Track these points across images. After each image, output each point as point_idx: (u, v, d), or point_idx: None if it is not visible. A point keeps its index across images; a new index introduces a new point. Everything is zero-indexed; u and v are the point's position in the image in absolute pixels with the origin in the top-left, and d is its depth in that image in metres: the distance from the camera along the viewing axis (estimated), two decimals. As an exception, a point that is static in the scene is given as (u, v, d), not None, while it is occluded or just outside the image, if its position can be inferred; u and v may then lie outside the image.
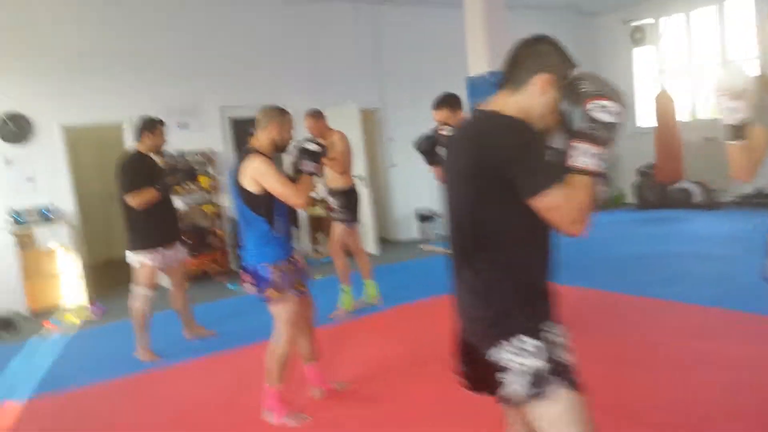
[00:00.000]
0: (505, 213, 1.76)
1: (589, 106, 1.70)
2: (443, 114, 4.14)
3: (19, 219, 7.12)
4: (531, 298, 1.80)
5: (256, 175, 3.18)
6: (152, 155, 4.98)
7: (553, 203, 1.69)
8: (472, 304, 1.85)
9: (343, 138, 5.54)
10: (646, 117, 10.90)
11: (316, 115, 5.52)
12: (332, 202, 5.68)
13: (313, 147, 3.32)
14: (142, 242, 4.81)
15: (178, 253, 5.08)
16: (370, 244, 8.76)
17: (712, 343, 4.02)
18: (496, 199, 1.75)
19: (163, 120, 5.05)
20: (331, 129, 5.59)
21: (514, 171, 1.69)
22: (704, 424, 3.04)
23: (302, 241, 8.87)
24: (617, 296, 5.40)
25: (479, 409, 3.42)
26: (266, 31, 8.84)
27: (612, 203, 11.11)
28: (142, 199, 4.73)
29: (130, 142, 7.88)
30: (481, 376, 1.86)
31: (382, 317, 5.56)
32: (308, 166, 3.29)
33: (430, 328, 5.02)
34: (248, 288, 3.35)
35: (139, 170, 4.82)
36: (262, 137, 3.35)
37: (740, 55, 9.63)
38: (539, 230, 1.80)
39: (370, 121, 9.54)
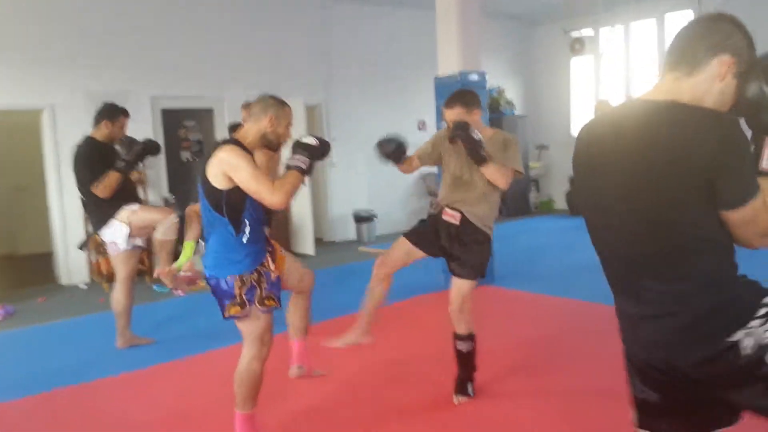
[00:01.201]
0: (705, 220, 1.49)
1: None
2: (456, 113, 3.43)
3: None
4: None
5: (225, 167, 2.66)
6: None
7: (752, 215, 1.44)
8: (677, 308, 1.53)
9: None
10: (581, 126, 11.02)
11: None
12: None
13: (311, 141, 2.83)
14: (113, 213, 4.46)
15: (137, 240, 4.66)
16: (307, 244, 8.33)
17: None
18: (701, 204, 1.47)
19: (128, 111, 4.69)
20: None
21: (719, 176, 1.42)
22: None
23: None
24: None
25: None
26: (207, 18, 8.23)
27: (541, 208, 11.20)
28: (107, 185, 4.36)
29: (47, 131, 7.17)
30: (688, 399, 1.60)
31: (337, 326, 5.12)
32: (299, 161, 2.78)
33: (396, 337, 4.68)
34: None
35: (99, 157, 4.45)
36: (251, 129, 2.86)
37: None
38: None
39: (312, 117, 9.11)
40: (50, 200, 7.35)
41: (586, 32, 10.63)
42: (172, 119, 8.25)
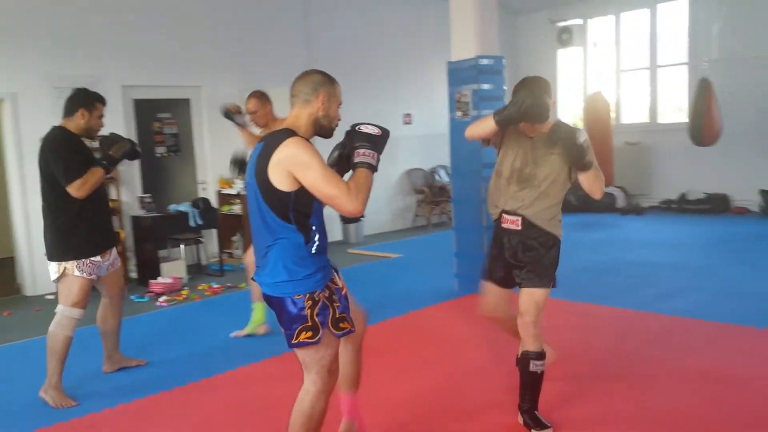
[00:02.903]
0: None
1: None
2: None
3: None
4: None
5: (294, 167, 2.19)
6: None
7: None
8: None
9: None
10: (567, 119, 10.72)
11: (262, 98, 4.45)
12: None
13: (372, 130, 2.37)
14: (73, 248, 3.66)
15: (114, 259, 3.95)
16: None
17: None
18: None
19: (104, 98, 3.87)
20: (277, 117, 4.44)
21: None
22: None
23: (212, 244, 7.73)
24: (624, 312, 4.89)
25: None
26: (183, 2, 7.58)
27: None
28: (88, 184, 3.61)
29: (8, 122, 6.45)
30: None
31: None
32: (367, 156, 2.33)
33: (441, 348, 4.20)
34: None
35: (76, 151, 3.69)
36: (301, 115, 2.36)
37: (670, 60, 9.62)
38: None
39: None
40: (11, 199, 6.65)
41: (575, 22, 10.30)
42: (145, 111, 7.58)
